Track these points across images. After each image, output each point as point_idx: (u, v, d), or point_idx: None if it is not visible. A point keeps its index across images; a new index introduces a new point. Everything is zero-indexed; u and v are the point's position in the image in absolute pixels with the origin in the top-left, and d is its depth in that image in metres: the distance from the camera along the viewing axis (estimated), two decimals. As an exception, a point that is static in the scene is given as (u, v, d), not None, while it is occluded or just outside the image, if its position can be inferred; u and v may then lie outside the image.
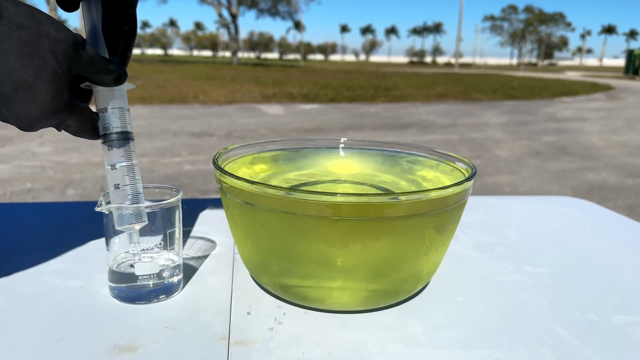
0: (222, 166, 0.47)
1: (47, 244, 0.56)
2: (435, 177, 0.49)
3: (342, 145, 0.56)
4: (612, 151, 5.05)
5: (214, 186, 3.36)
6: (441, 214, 0.38)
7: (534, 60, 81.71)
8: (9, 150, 4.23)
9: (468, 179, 0.40)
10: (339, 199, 0.35)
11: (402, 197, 0.36)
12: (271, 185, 0.37)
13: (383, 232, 0.37)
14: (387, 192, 0.48)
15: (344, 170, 0.55)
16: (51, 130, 4.97)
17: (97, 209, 0.41)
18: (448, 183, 0.46)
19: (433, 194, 0.36)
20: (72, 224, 0.62)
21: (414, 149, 0.54)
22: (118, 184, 0.41)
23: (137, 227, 0.42)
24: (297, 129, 5.80)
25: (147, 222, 0.42)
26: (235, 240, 0.46)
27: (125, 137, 0.41)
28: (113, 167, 0.41)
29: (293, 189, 0.36)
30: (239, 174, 0.47)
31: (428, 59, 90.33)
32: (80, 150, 4.35)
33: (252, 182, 0.37)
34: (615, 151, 5.05)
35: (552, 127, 6.61)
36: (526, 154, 4.78)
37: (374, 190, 0.50)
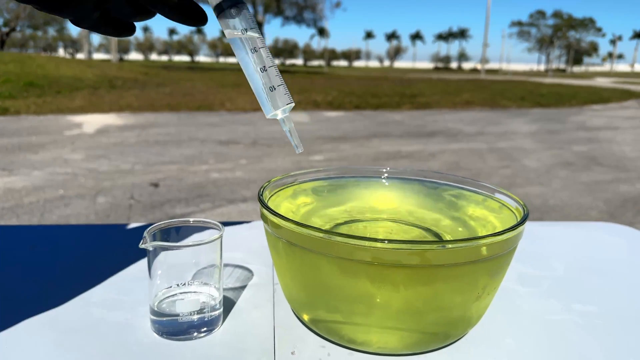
0: (267, 199, 0.47)
1: (91, 269, 0.56)
2: (482, 215, 0.48)
3: (385, 175, 0.55)
4: (647, 162, 4.90)
5: (240, 195, 3.38)
6: (495, 259, 0.37)
7: (562, 66, 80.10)
8: (42, 157, 4.35)
9: (522, 222, 0.38)
10: (389, 245, 0.34)
11: (452, 245, 0.34)
12: (320, 229, 0.36)
13: (436, 278, 0.36)
14: (443, 240, 0.47)
15: (385, 204, 0.54)
16: (82, 138, 5.09)
17: (142, 246, 0.41)
18: (497, 223, 0.45)
19: (486, 241, 0.35)
20: (115, 248, 0.63)
21: (459, 181, 0.53)
22: (266, 66, 0.38)
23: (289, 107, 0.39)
24: (323, 136, 5.80)
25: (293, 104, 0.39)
26: (279, 277, 0.45)
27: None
28: (245, 30, 0.37)
29: (343, 234, 0.35)
30: (282, 208, 0.46)
31: (453, 65, 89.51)
32: (110, 157, 4.45)
33: (300, 225, 0.36)
34: (650, 162, 4.90)
35: (582, 136, 6.45)
36: (556, 165, 4.67)
37: (420, 231, 0.48)
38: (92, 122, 6.56)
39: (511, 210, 0.45)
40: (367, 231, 0.50)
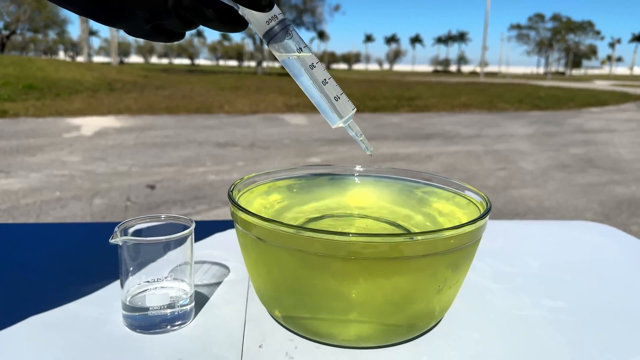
0: (238, 196, 0.47)
1: (71, 266, 0.57)
2: (450, 211, 0.49)
3: (357, 174, 0.56)
4: (643, 164, 4.91)
5: (236, 197, 3.39)
6: (455, 252, 0.38)
7: (561, 69, 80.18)
8: (40, 159, 4.36)
9: (482, 217, 0.39)
10: (350, 239, 0.35)
11: (414, 237, 0.35)
12: (283, 223, 0.37)
13: (394, 271, 0.36)
14: (399, 233, 0.48)
15: (358, 201, 0.55)
16: (81, 140, 5.10)
17: (112, 241, 0.42)
18: (463, 218, 0.46)
19: (447, 234, 0.36)
20: (96, 245, 0.64)
21: (430, 178, 0.54)
22: (326, 79, 0.39)
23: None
24: (320, 139, 5.81)
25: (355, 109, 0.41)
26: (249, 273, 0.46)
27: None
28: (300, 50, 0.39)
29: (305, 228, 0.36)
30: (254, 205, 0.47)
31: (453, 68, 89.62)
32: (108, 159, 4.46)
33: (265, 220, 0.37)
34: (647, 164, 4.91)
35: (579, 138, 6.47)
36: (552, 167, 4.68)
37: (387, 226, 0.49)
38: (90, 124, 6.57)
39: (477, 205, 0.46)
40: (338, 227, 0.50)
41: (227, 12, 0.37)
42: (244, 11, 0.38)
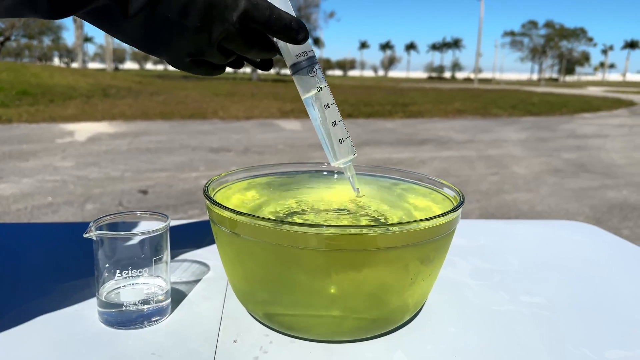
0: (215, 193, 0.48)
1: (48, 263, 0.57)
2: (426, 206, 0.49)
3: (337, 171, 0.57)
4: (635, 169, 4.94)
5: (229, 202, 3.38)
6: (425, 245, 0.38)
7: (555, 75, 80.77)
8: (32, 165, 4.34)
9: (454, 210, 0.39)
10: (322, 230, 0.35)
11: (383, 229, 0.35)
12: (255, 216, 0.37)
13: (366, 263, 0.37)
14: (371, 225, 0.48)
15: (337, 198, 0.55)
16: (74, 146, 5.06)
17: (86, 235, 0.42)
18: (438, 212, 0.46)
19: (420, 225, 0.36)
20: (73, 244, 0.64)
21: (407, 175, 0.54)
22: (336, 121, 0.42)
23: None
24: (314, 144, 5.82)
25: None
26: (225, 268, 0.46)
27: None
28: (320, 89, 0.41)
29: (277, 220, 0.36)
30: (232, 201, 0.47)
31: (447, 75, 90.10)
32: (101, 165, 4.44)
33: (239, 213, 0.37)
34: (638, 169, 4.94)
35: (572, 143, 6.51)
36: (545, 172, 4.70)
37: (363, 219, 0.50)
38: (84, 130, 6.55)
39: (451, 201, 0.46)
40: (315, 221, 0.50)
41: (265, 41, 0.39)
42: (277, 40, 0.40)
